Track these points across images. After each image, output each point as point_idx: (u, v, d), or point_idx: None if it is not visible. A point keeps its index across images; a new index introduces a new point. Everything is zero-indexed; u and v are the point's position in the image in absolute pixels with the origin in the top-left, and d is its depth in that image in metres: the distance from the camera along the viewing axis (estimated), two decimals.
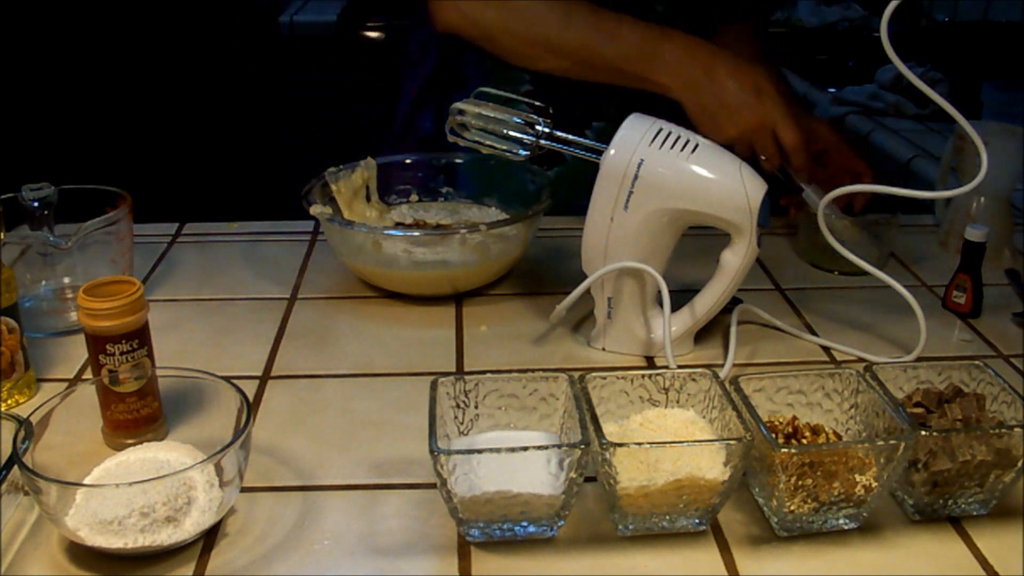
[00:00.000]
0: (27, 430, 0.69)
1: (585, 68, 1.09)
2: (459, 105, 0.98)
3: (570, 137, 0.96)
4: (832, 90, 2.27)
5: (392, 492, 0.75)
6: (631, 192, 0.87)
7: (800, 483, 0.68)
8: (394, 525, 0.72)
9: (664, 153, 0.86)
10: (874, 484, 0.69)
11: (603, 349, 0.95)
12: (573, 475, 0.67)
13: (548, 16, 1.08)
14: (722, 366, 0.92)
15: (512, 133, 0.97)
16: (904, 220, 1.14)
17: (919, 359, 0.91)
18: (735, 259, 0.90)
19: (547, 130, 0.96)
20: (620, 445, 0.67)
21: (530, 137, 0.96)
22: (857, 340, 0.98)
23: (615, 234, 0.89)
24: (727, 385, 0.74)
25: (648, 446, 0.68)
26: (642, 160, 0.86)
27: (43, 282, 1.02)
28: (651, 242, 0.89)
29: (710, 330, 0.98)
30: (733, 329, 0.96)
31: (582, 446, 0.66)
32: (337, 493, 0.75)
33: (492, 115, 0.98)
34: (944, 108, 0.86)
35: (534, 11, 1.09)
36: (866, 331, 1.00)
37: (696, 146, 0.87)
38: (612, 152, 0.87)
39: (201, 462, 0.68)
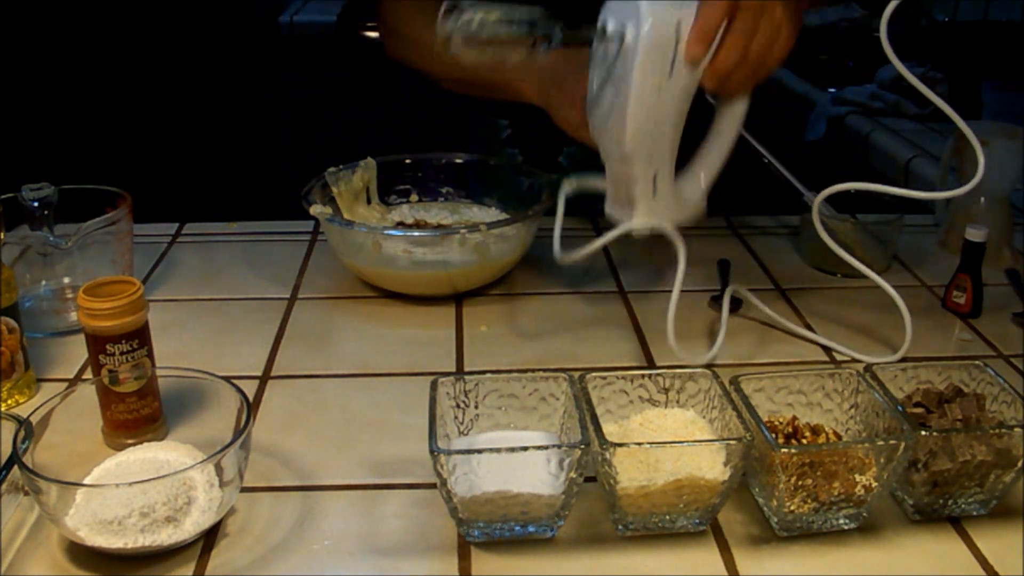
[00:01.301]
0: (27, 430, 0.69)
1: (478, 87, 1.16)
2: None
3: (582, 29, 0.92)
4: (832, 90, 2.27)
5: (392, 492, 0.75)
6: (675, 57, 0.85)
7: (800, 483, 0.68)
8: (394, 525, 0.72)
9: (691, 7, 0.85)
10: (874, 484, 0.69)
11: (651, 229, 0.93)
12: (573, 475, 0.67)
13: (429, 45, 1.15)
14: (720, 365, 0.92)
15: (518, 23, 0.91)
16: (904, 220, 1.14)
17: (918, 359, 0.91)
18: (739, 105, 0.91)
19: (559, 28, 0.92)
20: (620, 445, 0.67)
21: (542, 29, 0.90)
22: (857, 341, 0.98)
23: (664, 105, 0.87)
24: (727, 385, 0.74)
25: (648, 446, 0.68)
26: (679, 20, 0.84)
27: (43, 282, 1.02)
28: (686, 106, 0.87)
29: (703, 328, 0.98)
30: (724, 314, 0.96)
31: (582, 446, 0.66)
32: (337, 493, 0.75)
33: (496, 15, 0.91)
34: (942, 109, 0.86)
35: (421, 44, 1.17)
36: (866, 332, 1.00)
37: None
38: (649, 23, 0.84)
39: (201, 462, 0.68)
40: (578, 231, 1.25)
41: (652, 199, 0.92)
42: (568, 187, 0.98)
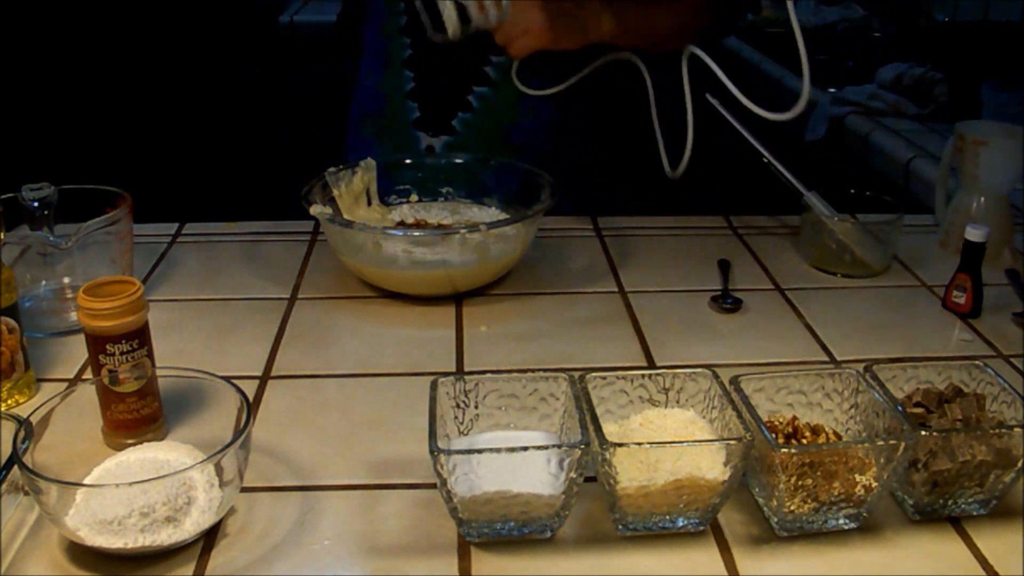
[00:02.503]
0: (27, 430, 0.69)
1: None
2: None
3: None
4: (832, 90, 2.27)
5: (392, 492, 0.75)
6: None
7: (800, 483, 0.68)
8: (394, 525, 0.72)
9: None
10: (874, 484, 0.69)
11: None
12: (573, 475, 0.67)
13: None
14: (720, 365, 0.92)
15: None
16: (904, 220, 1.14)
17: (918, 359, 0.91)
18: None
19: None
20: (620, 445, 0.67)
21: None
22: (857, 341, 0.98)
23: None
24: (727, 385, 0.74)
25: (648, 446, 0.68)
26: None
27: (43, 282, 1.02)
28: None
29: (701, 328, 0.98)
30: None
31: (582, 446, 0.66)
32: (337, 493, 0.75)
33: None
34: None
35: None
36: (866, 332, 1.00)
37: None
38: None
39: (201, 462, 0.68)
40: (578, 231, 1.25)
41: None
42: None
